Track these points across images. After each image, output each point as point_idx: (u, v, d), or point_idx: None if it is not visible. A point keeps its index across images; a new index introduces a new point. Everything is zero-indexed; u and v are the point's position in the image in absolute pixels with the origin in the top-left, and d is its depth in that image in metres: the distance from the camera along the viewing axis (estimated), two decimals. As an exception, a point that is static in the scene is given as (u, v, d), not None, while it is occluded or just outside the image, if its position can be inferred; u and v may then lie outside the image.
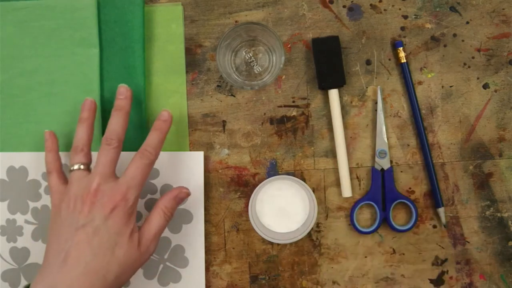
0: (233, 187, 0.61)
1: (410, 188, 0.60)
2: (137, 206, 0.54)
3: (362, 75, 0.60)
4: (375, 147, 0.60)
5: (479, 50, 0.60)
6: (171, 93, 0.60)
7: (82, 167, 0.54)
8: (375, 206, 0.59)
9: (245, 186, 0.61)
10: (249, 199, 0.59)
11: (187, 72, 0.61)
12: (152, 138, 0.55)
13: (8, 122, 0.60)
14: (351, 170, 0.60)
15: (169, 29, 0.60)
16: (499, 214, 0.60)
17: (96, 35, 0.59)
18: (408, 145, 0.60)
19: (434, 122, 0.60)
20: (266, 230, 0.58)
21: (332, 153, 0.60)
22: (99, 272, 0.50)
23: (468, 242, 0.60)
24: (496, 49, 0.60)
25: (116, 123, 0.55)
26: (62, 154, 0.59)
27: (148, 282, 0.60)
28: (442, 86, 0.60)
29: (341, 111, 0.59)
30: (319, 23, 0.60)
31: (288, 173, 0.60)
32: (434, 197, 0.60)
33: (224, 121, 0.61)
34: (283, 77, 0.60)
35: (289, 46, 0.60)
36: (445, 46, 0.60)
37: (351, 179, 0.60)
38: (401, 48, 0.59)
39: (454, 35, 0.60)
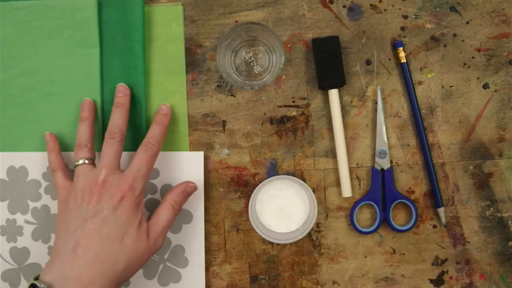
0: (233, 187, 0.61)
1: (410, 188, 0.60)
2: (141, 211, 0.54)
3: (362, 75, 0.60)
4: (375, 147, 0.60)
5: (479, 50, 0.60)
6: (171, 93, 0.60)
7: (87, 161, 0.55)
8: (375, 206, 0.59)
9: (245, 186, 0.61)
10: (249, 199, 0.59)
11: (187, 72, 0.61)
12: (154, 131, 0.57)
13: (8, 122, 0.60)
14: (351, 170, 0.60)
15: (169, 29, 0.60)
16: (499, 214, 0.60)
17: (97, 35, 0.59)
18: (408, 145, 0.60)
19: (434, 122, 0.60)
20: (266, 230, 0.58)
21: (332, 153, 0.60)
22: (108, 260, 0.50)
23: (468, 242, 0.60)
24: (496, 49, 0.60)
25: (118, 118, 0.56)
26: (63, 155, 0.59)
27: (148, 282, 0.60)
28: (442, 86, 0.60)
29: (341, 111, 0.59)
30: (319, 23, 0.60)
31: (288, 173, 0.60)
32: (434, 197, 0.60)
33: (224, 121, 0.61)
34: (283, 77, 0.60)
35: (289, 46, 0.60)
36: (445, 46, 0.60)
37: (351, 179, 0.60)
38: (401, 48, 0.59)
39: (454, 35, 0.60)
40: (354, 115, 0.60)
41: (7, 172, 0.61)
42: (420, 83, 0.60)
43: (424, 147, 0.59)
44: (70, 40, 0.60)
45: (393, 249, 0.60)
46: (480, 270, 0.60)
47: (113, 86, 0.59)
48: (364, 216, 0.61)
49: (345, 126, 0.60)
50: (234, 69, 0.59)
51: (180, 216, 0.60)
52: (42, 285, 0.48)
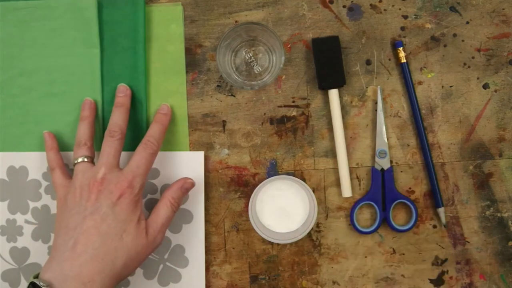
0: (233, 187, 0.61)
1: (410, 188, 0.60)
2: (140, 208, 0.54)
3: (362, 75, 0.60)
4: (375, 147, 0.60)
5: (479, 50, 0.60)
6: (171, 93, 0.60)
7: (86, 159, 0.55)
8: (375, 206, 0.59)
9: (245, 186, 0.61)
10: (249, 199, 0.59)
11: (187, 72, 0.61)
12: (153, 129, 0.57)
13: (8, 122, 0.60)
14: (351, 170, 0.60)
15: (169, 29, 0.60)
16: (499, 214, 0.60)
17: (97, 35, 0.59)
18: (408, 145, 0.60)
19: (434, 122, 0.60)
20: (266, 230, 0.58)
21: (332, 153, 0.60)
22: (108, 257, 0.50)
23: (468, 242, 0.60)
24: (496, 49, 0.60)
25: (118, 117, 0.56)
26: (62, 154, 0.59)
27: (148, 282, 0.60)
28: (442, 86, 0.60)
29: (341, 111, 0.59)
30: (319, 23, 0.60)
31: (288, 173, 0.60)
32: (434, 197, 0.60)
33: (224, 121, 0.61)
34: (283, 77, 0.60)
35: (289, 46, 0.60)
36: (445, 46, 0.60)
37: (351, 179, 0.60)
38: (401, 48, 0.59)
39: (454, 35, 0.60)
40: (354, 115, 0.60)
41: (7, 172, 0.61)
42: (420, 83, 0.60)
43: (424, 147, 0.59)
44: (70, 40, 0.60)
45: (393, 249, 0.60)
46: (480, 270, 0.60)
47: (113, 86, 0.59)
48: (364, 216, 0.61)
49: (345, 126, 0.60)
50: (234, 69, 0.59)
51: (180, 216, 0.60)
52: (42, 284, 0.48)
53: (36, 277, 0.50)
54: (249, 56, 0.60)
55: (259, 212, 0.58)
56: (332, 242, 0.60)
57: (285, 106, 0.60)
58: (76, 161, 0.55)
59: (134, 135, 0.60)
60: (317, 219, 0.60)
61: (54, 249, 0.52)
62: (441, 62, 0.60)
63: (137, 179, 0.53)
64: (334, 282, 0.60)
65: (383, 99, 0.60)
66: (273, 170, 0.60)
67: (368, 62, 0.60)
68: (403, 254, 0.60)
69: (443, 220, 0.59)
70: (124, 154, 0.59)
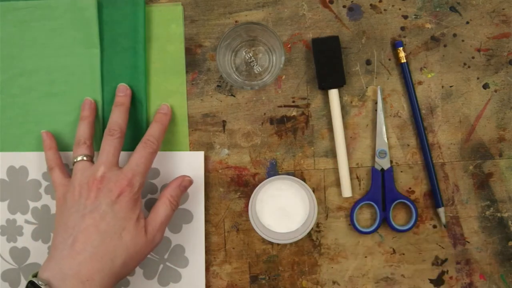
0: (233, 187, 0.61)
1: (410, 188, 0.60)
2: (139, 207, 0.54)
3: (362, 75, 0.60)
4: (375, 147, 0.60)
5: (479, 50, 0.60)
6: (171, 93, 0.60)
7: (85, 158, 0.55)
8: (375, 206, 0.59)
9: (245, 186, 0.61)
10: (249, 199, 0.59)
11: (187, 72, 0.61)
12: (153, 129, 0.57)
13: (8, 122, 0.60)
14: (351, 170, 0.60)
15: (169, 29, 0.60)
16: (499, 214, 0.60)
17: (97, 35, 0.59)
18: (408, 145, 0.60)
19: (434, 122, 0.60)
20: (266, 230, 0.58)
21: (332, 153, 0.60)
22: (107, 256, 0.50)
23: (468, 242, 0.60)
24: (496, 49, 0.60)
25: (117, 116, 0.56)
26: (62, 154, 0.59)
27: (148, 282, 0.60)
28: (442, 86, 0.60)
29: (341, 111, 0.59)
30: (319, 23, 0.60)
31: (288, 173, 0.60)
32: (434, 197, 0.60)
33: (224, 121, 0.61)
34: (283, 77, 0.60)
35: (289, 46, 0.60)
36: (445, 46, 0.60)
37: (351, 179, 0.60)
38: (401, 48, 0.59)
39: (454, 35, 0.60)
40: (354, 115, 0.60)
41: (7, 172, 0.61)
42: (420, 83, 0.60)
43: (424, 147, 0.59)
44: (70, 40, 0.60)
45: (393, 249, 0.60)
46: (480, 270, 0.60)
47: (113, 86, 0.59)
48: (364, 216, 0.61)
49: (345, 126, 0.60)
50: (234, 69, 0.59)
51: (180, 216, 0.60)
52: (40, 283, 0.48)
53: (35, 276, 0.50)
54: (249, 56, 0.60)
55: (259, 212, 0.58)
56: (332, 242, 0.60)
57: (285, 106, 0.60)
58: (75, 160, 0.55)
59: (134, 135, 0.60)
60: (317, 219, 0.60)
61: (53, 247, 0.52)
62: (441, 62, 0.60)
63: (137, 177, 0.53)
64: (334, 282, 0.60)
65: (383, 99, 0.60)
66: (273, 170, 0.60)
67: (368, 62, 0.60)
68: (403, 254, 0.60)
69: (443, 220, 0.59)
70: (124, 154, 0.59)
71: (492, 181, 0.60)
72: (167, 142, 0.60)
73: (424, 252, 0.60)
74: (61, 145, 0.60)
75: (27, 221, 0.61)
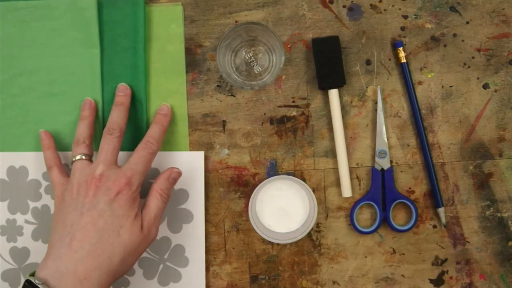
0: (233, 187, 0.61)
1: (410, 188, 0.60)
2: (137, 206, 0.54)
3: (362, 75, 0.60)
4: (375, 147, 0.60)
5: (479, 50, 0.60)
6: (171, 93, 0.60)
7: (84, 157, 0.55)
8: (375, 206, 0.59)
9: (245, 186, 0.61)
10: (249, 199, 0.59)
11: (187, 72, 0.61)
12: (154, 130, 0.57)
13: (8, 122, 0.60)
14: (351, 170, 0.60)
15: (169, 29, 0.60)
16: (499, 214, 0.60)
17: (97, 35, 0.59)
18: (408, 145, 0.60)
19: (434, 122, 0.60)
20: (266, 230, 0.58)
21: (332, 153, 0.60)
22: (105, 254, 0.50)
23: (468, 242, 0.60)
24: (496, 49, 0.60)
25: (117, 115, 0.56)
26: (62, 154, 0.59)
27: (148, 282, 0.60)
28: (442, 86, 0.60)
29: (341, 111, 0.59)
30: (319, 23, 0.60)
31: (288, 173, 0.60)
32: (434, 197, 0.60)
33: (224, 121, 0.61)
34: (283, 77, 0.60)
35: (289, 46, 0.60)
36: (445, 46, 0.60)
37: (351, 179, 0.60)
38: (401, 48, 0.59)
39: (454, 35, 0.60)
40: (354, 115, 0.60)
41: (7, 172, 0.61)
42: (420, 83, 0.60)
43: (424, 147, 0.59)
44: (70, 40, 0.60)
45: (393, 249, 0.60)
46: (480, 270, 0.60)
47: (113, 86, 0.59)
48: (364, 216, 0.61)
49: (345, 126, 0.60)
50: (234, 69, 0.59)
51: (180, 216, 0.60)
52: (37, 282, 0.48)
53: (32, 275, 0.50)
54: (249, 56, 0.60)
55: (259, 212, 0.58)
56: (332, 242, 0.60)
57: (285, 106, 0.60)
58: (74, 159, 0.55)
59: (134, 135, 0.60)
60: (317, 219, 0.60)
61: (50, 246, 0.52)
62: (441, 62, 0.60)
63: (136, 176, 0.53)
64: (334, 282, 0.60)
65: (383, 99, 0.60)
66: (273, 170, 0.60)
67: (368, 62, 0.60)
68: (403, 254, 0.60)
69: (443, 220, 0.59)
70: (124, 154, 0.59)
71: (492, 181, 0.60)
72: (167, 142, 0.60)
73: (424, 252, 0.60)
74: (61, 145, 0.60)
75: (27, 221, 0.61)
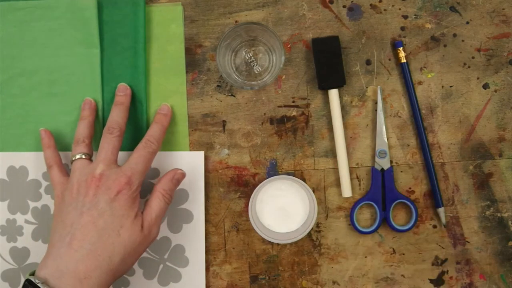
0: (233, 187, 0.61)
1: (410, 188, 0.60)
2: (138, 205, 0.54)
3: (362, 75, 0.60)
4: (375, 147, 0.60)
5: (479, 50, 0.60)
6: (171, 93, 0.60)
7: (84, 156, 0.55)
8: (375, 206, 0.59)
9: (245, 186, 0.61)
10: (249, 199, 0.59)
11: (187, 72, 0.61)
12: (154, 130, 0.57)
13: (8, 122, 0.60)
14: (351, 170, 0.60)
15: (169, 29, 0.60)
16: (499, 214, 0.60)
17: (97, 35, 0.59)
18: (408, 145, 0.60)
19: (434, 122, 0.60)
20: (266, 230, 0.58)
21: (332, 153, 0.60)
22: (105, 253, 0.50)
23: (468, 242, 0.60)
24: (496, 49, 0.60)
25: (117, 115, 0.56)
26: (62, 154, 0.59)
27: (148, 282, 0.60)
28: (442, 86, 0.60)
29: (341, 111, 0.59)
30: (319, 23, 0.60)
31: (288, 173, 0.60)
32: (434, 197, 0.60)
33: (224, 121, 0.61)
34: (283, 77, 0.60)
35: (289, 46, 0.60)
36: (445, 46, 0.60)
37: (351, 179, 0.60)
38: (401, 48, 0.59)
39: (454, 35, 0.60)
40: (354, 115, 0.60)
41: (7, 172, 0.61)
42: (420, 83, 0.60)
43: (424, 147, 0.59)
44: (70, 40, 0.60)
45: (393, 249, 0.60)
46: (480, 270, 0.60)
47: (113, 86, 0.59)
48: (364, 216, 0.61)
49: (345, 126, 0.60)
50: (234, 69, 0.59)
51: (180, 216, 0.60)
52: (37, 281, 0.48)
53: (32, 274, 0.50)
54: (249, 56, 0.60)
55: (259, 212, 0.58)
56: (332, 242, 0.60)
57: (285, 106, 0.60)
58: (73, 158, 0.55)
59: (134, 135, 0.60)
60: (317, 219, 0.60)
61: (50, 245, 0.52)
62: (441, 62, 0.60)
63: (136, 175, 0.53)
64: (334, 282, 0.60)
65: (383, 99, 0.60)
66: (273, 170, 0.60)
67: (368, 62, 0.60)
68: (403, 254, 0.60)
69: (443, 220, 0.59)
70: (124, 154, 0.59)
71: (492, 181, 0.60)
72: (167, 142, 0.60)
73: (424, 252, 0.60)
74: (61, 145, 0.60)
75: (27, 221, 0.61)
